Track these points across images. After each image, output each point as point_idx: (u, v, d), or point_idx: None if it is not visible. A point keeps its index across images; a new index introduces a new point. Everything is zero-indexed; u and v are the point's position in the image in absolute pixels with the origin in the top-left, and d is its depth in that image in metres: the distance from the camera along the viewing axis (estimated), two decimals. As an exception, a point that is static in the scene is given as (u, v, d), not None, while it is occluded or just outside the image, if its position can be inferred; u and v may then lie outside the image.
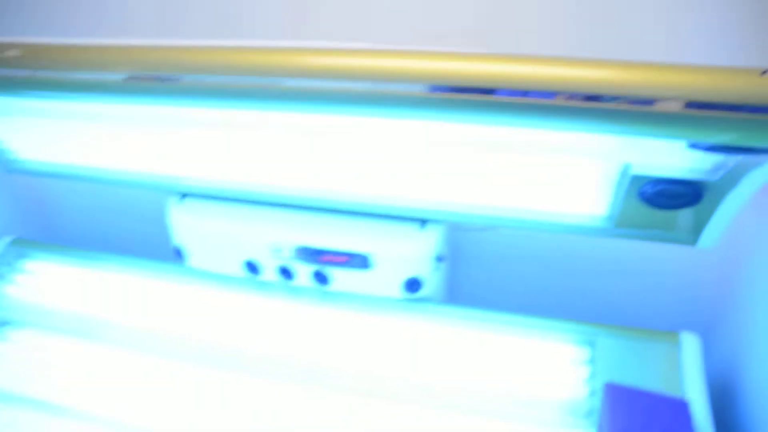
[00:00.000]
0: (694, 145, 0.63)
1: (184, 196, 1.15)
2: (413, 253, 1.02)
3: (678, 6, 0.96)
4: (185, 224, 1.15)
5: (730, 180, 0.74)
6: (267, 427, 1.00)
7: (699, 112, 0.55)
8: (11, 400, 1.10)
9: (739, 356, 1.04)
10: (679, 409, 0.84)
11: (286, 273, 1.10)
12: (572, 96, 0.59)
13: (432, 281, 1.05)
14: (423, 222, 1.03)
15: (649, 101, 0.55)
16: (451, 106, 0.66)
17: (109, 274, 1.26)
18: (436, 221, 1.03)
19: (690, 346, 0.97)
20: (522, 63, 0.62)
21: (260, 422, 1.01)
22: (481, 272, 1.25)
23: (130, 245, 1.43)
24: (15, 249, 1.34)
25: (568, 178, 0.87)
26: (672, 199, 0.81)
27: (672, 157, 0.75)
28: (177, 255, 1.18)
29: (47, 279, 1.28)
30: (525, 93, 0.62)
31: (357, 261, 1.04)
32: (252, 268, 1.12)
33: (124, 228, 1.48)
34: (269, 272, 1.11)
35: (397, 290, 1.06)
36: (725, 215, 0.82)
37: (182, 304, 1.18)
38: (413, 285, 1.05)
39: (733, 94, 0.53)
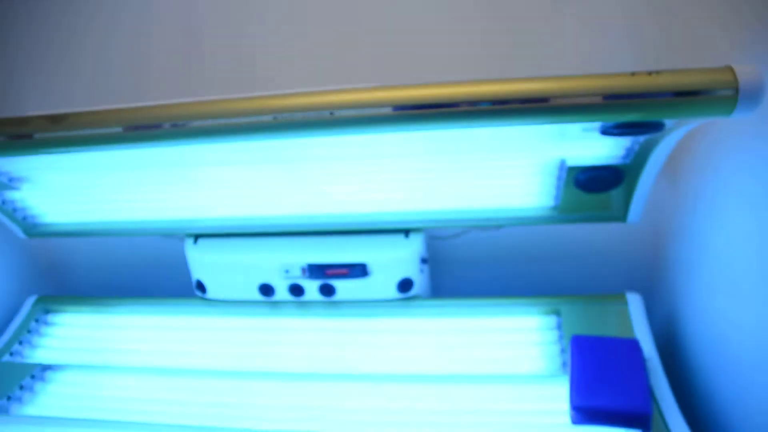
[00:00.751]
0: (604, 132, 0.86)
1: (197, 237, 1.34)
2: (403, 257, 1.23)
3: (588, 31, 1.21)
4: (202, 262, 1.34)
5: (639, 161, 0.99)
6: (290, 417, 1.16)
7: (606, 102, 0.77)
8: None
9: (675, 310, 1.28)
10: (631, 346, 1.06)
11: (296, 290, 1.29)
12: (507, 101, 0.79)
13: (420, 280, 1.27)
14: (407, 232, 1.25)
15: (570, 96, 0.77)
16: (414, 120, 0.84)
17: (128, 317, 1.43)
18: (416, 230, 1.25)
19: (634, 302, 1.21)
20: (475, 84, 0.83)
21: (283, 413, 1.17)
22: (457, 271, 1.47)
23: (143, 289, 1.59)
24: (40, 305, 1.50)
25: (518, 177, 1.11)
26: (600, 183, 1.05)
27: (593, 148, 0.99)
28: (199, 288, 1.36)
29: (74, 329, 1.43)
30: (474, 103, 0.81)
31: (357, 270, 1.24)
32: (266, 290, 1.31)
33: (134, 274, 1.64)
34: (281, 292, 1.30)
35: (392, 292, 1.27)
36: (642, 192, 1.06)
37: (203, 332, 1.34)
38: (406, 285, 1.26)
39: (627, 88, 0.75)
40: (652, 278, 1.36)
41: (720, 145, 1.02)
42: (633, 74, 0.73)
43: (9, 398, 1.24)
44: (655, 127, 0.83)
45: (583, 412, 0.96)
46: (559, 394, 1.04)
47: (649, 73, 0.72)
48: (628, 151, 0.99)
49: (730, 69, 0.70)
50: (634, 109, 0.74)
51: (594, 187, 1.07)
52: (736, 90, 0.69)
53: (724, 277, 1.03)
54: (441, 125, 0.82)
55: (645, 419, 0.94)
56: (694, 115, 0.75)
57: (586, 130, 0.89)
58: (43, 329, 1.45)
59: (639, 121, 0.79)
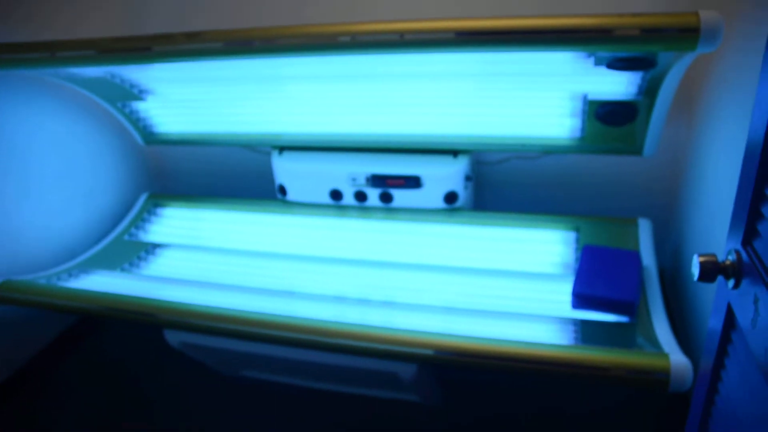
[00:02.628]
0: (609, 65, 1.08)
1: (281, 149, 1.62)
2: (450, 173, 1.48)
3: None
4: (285, 169, 1.62)
5: (649, 96, 1.19)
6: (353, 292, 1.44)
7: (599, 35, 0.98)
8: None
9: (682, 237, 1.48)
10: (632, 255, 1.28)
11: (360, 196, 1.56)
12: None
13: (464, 195, 1.51)
14: (455, 153, 1.49)
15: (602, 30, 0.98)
16: (471, 43, 1.06)
17: (220, 211, 1.73)
18: (464, 152, 1.49)
19: (644, 225, 1.42)
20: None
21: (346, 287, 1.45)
22: (498, 192, 1.71)
23: (232, 192, 1.90)
24: (151, 201, 1.82)
25: (551, 108, 1.33)
26: (617, 116, 1.26)
27: (607, 84, 1.20)
28: (281, 191, 1.65)
29: (177, 220, 1.75)
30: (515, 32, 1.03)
31: (412, 182, 1.50)
32: (336, 195, 1.59)
33: (226, 180, 1.95)
34: (348, 197, 1.58)
35: (440, 202, 1.52)
36: (656, 126, 1.26)
37: (281, 227, 1.63)
38: (451, 197, 1.51)
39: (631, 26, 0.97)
40: (668, 208, 1.57)
41: (728, 83, 1.19)
42: (620, 15, 0.94)
43: (130, 264, 1.56)
44: (647, 61, 1.04)
45: (580, 298, 1.20)
46: (566, 289, 1.28)
47: (633, 15, 0.93)
48: (639, 87, 1.19)
49: (696, 14, 0.90)
50: (619, 41, 0.95)
51: (612, 121, 1.28)
52: (698, 30, 0.89)
53: (719, 206, 1.21)
54: (488, 48, 1.05)
55: (630, 306, 1.17)
56: (668, 49, 0.95)
57: (597, 64, 1.11)
58: (153, 218, 1.77)
59: (630, 56, 1.01)
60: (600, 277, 1.23)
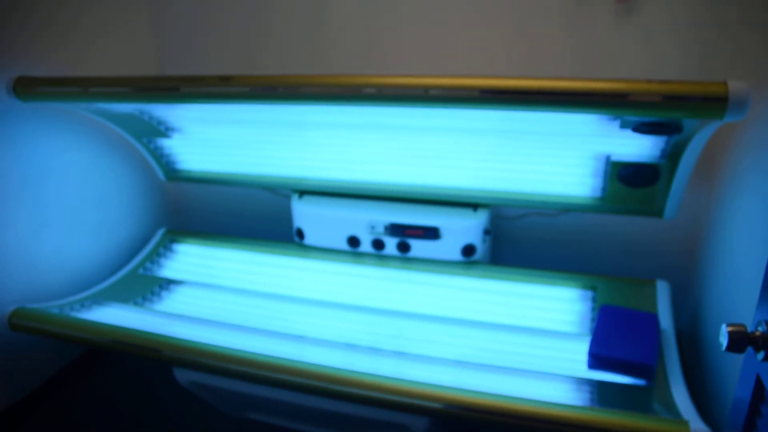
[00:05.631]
0: (635, 129, 1.09)
1: (302, 193, 1.63)
2: (469, 226, 1.48)
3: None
4: (304, 213, 1.63)
5: (673, 160, 1.20)
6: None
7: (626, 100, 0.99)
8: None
9: (700, 301, 1.47)
10: (650, 317, 1.27)
11: (378, 244, 1.57)
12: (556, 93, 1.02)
13: (482, 248, 1.51)
14: (475, 207, 1.50)
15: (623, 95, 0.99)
16: (495, 102, 1.07)
17: (236, 251, 1.74)
18: (483, 206, 1.50)
19: (662, 288, 1.41)
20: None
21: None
22: (515, 247, 1.71)
23: (250, 233, 1.90)
24: (168, 236, 1.83)
25: (572, 167, 1.34)
26: (639, 178, 1.27)
27: (632, 146, 1.21)
28: (298, 235, 1.65)
29: (192, 257, 1.76)
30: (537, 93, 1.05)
31: (430, 233, 1.50)
32: (353, 241, 1.59)
33: (244, 220, 1.96)
34: (366, 244, 1.58)
35: (457, 254, 1.52)
36: (677, 190, 1.27)
37: (296, 270, 1.63)
38: (469, 250, 1.51)
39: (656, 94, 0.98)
40: (686, 270, 1.56)
41: (751, 152, 1.20)
42: (648, 81, 0.95)
43: (143, 298, 1.56)
44: (673, 127, 1.05)
45: (597, 358, 1.19)
46: (582, 348, 1.26)
47: (661, 82, 0.95)
48: (663, 151, 1.20)
49: (724, 83, 0.92)
50: (646, 107, 0.96)
51: (635, 182, 1.29)
52: (726, 99, 0.91)
53: (740, 275, 1.21)
54: (513, 107, 1.07)
55: (648, 369, 1.15)
56: (695, 117, 0.97)
57: (622, 127, 1.12)
58: (169, 254, 1.77)
59: (657, 121, 1.02)
60: (617, 338, 1.22)
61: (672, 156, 1.20)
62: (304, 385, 1.13)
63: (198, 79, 1.20)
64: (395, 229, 1.53)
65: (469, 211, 1.50)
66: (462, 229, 1.50)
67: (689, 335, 1.54)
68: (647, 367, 1.15)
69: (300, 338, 1.35)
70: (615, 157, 1.26)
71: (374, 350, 1.30)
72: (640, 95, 0.94)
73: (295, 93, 1.14)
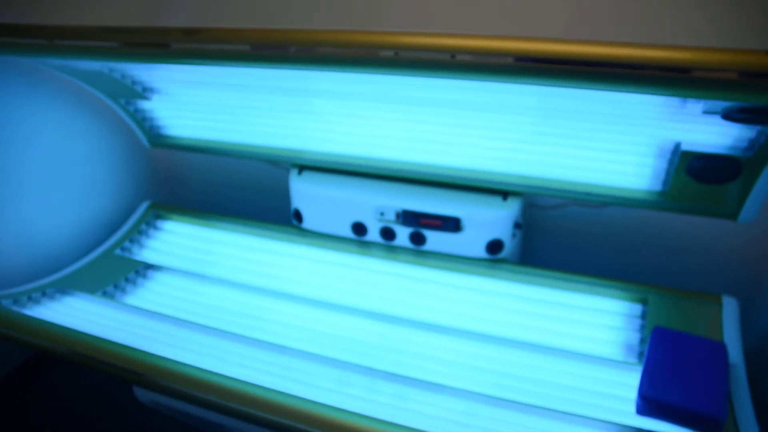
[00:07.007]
0: (726, 116, 0.82)
1: (302, 169, 1.39)
2: (497, 218, 1.23)
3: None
4: (303, 192, 1.39)
5: (763, 154, 0.93)
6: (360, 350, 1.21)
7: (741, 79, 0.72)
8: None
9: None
10: (716, 348, 1.02)
11: (388, 234, 1.32)
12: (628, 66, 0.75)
13: (510, 244, 1.26)
14: (505, 194, 1.24)
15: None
16: (533, 74, 0.81)
17: (228, 233, 1.51)
18: (515, 194, 1.24)
19: (730, 305, 1.15)
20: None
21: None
22: (550, 242, 1.45)
23: (244, 210, 1.68)
24: (152, 211, 1.61)
25: (628, 154, 1.07)
26: (715, 173, 1.00)
27: (712, 134, 0.94)
28: (296, 217, 1.42)
29: (179, 236, 1.54)
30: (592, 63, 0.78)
31: (450, 224, 1.25)
32: (359, 229, 1.35)
33: (238, 195, 1.74)
34: (373, 233, 1.34)
35: (481, 251, 1.27)
36: (762, 189, 1.00)
37: (294, 259, 1.40)
38: (496, 246, 1.26)
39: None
40: (755, 283, 1.29)
41: None
42: (756, 52, 0.68)
43: (115, 286, 1.35)
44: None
45: (650, 402, 0.94)
46: (629, 383, 1.02)
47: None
48: (752, 142, 0.93)
49: None
50: (754, 89, 0.69)
51: (707, 177, 1.02)
52: None
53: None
54: (561, 83, 0.80)
55: (717, 424, 0.91)
56: None
57: (707, 112, 0.85)
58: (152, 232, 1.56)
59: (760, 106, 0.75)
60: (675, 376, 0.97)
61: (762, 148, 0.93)
62: (283, 425, 0.92)
63: (154, 31, 0.94)
64: (408, 217, 1.29)
65: (497, 200, 1.24)
66: (488, 220, 1.25)
67: (755, 361, 1.28)
68: (715, 419, 0.91)
69: (286, 350, 1.13)
70: (686, 146, 0.99)
71: (371, 371, 1.07)
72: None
73: (277, 56, 0.89)
